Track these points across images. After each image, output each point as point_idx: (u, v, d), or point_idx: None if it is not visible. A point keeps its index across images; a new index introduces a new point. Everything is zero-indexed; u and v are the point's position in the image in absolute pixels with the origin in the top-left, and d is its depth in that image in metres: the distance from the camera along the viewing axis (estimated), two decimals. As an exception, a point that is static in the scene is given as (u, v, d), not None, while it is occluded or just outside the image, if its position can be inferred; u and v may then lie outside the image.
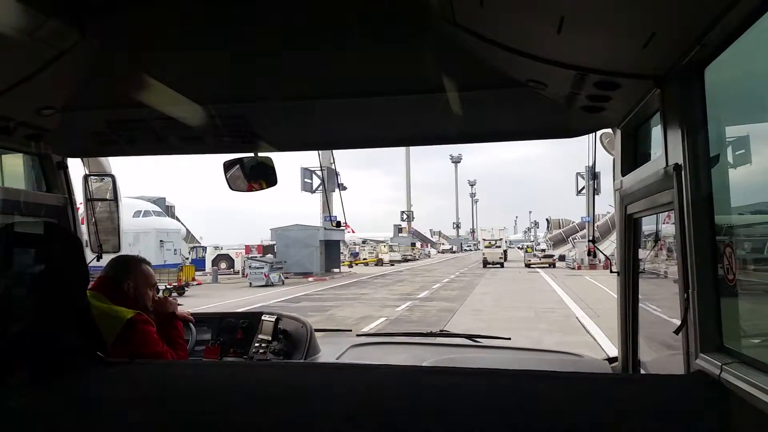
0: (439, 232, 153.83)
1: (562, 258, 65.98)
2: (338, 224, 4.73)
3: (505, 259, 68.55)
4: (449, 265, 71.02)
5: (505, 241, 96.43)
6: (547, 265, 60.27)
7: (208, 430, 1.98)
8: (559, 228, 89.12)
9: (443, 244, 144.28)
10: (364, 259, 76.84)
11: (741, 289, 2.03)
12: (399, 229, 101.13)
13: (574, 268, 53.80)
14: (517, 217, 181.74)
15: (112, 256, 3.86)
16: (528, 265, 61.35)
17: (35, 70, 2.35)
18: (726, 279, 1.99)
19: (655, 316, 3.09)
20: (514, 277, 45.75)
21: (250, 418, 1.99)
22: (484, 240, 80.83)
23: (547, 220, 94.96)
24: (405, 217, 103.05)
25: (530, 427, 1.87)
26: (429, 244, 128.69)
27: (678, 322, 2.15)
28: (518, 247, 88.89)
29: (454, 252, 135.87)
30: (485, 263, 65.28)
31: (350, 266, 64.33)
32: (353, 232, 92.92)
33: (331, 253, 52.18)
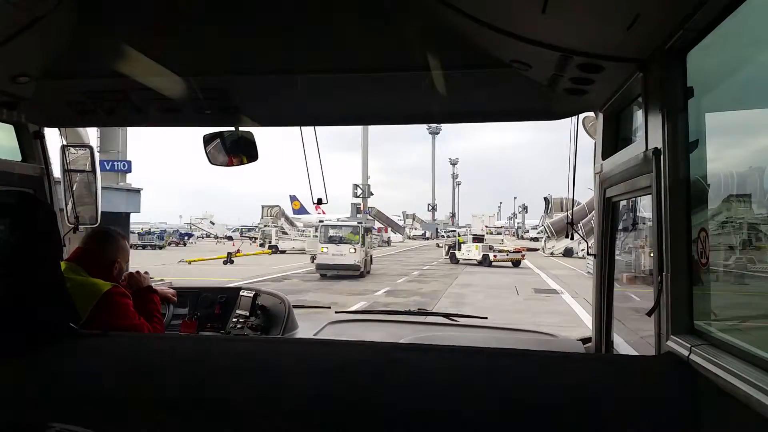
0: (413, 215, 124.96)
1: (568, 252, 49.68)
2: (319, 201, 4.72)
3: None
4: (393, 263, 47.06)
5: (486, 226, 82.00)
6: (511, 264, 42.64)
7: (179, 403, 1.97)
8: (562, 210, 62.58)
9: (415, 228, 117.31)
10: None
11: (713, 273, 2.07)
12: (357, 209, 76.31)
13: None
14: (501, 203, 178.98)
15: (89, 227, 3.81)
16: (478, 261, 43.60)
17: (9, 35, 2.28)
18: (699, 263, 2.02)
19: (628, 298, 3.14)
20: (504, 304, 22.07)
21: (221, 392, 2.00)
22: (487, 227, 68.92)
23: (545, 199, 67.99)
24: (359, 192, 75.33)
25: (502, 403, 1.90)
26: (389, 228, 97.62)
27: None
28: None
29: (426, 238, 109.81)
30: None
31: (228, 262, 41.33)
32: (324, 213, 71.67)
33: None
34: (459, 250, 46.63)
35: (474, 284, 30.02)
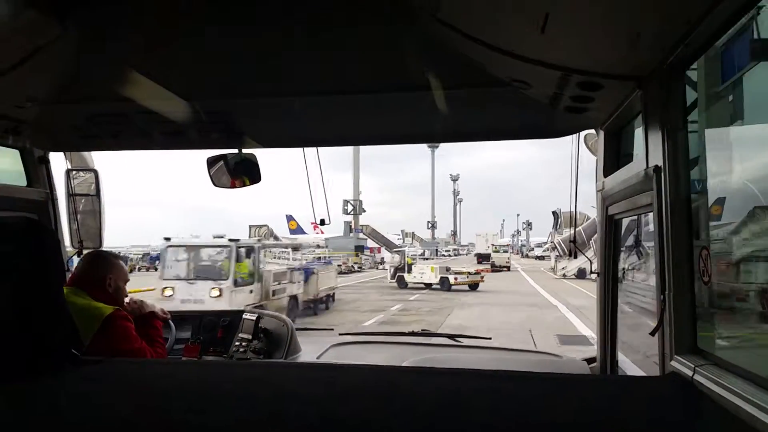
0: (412, 233, 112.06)
1: (581, 274, 42.15)
2: (322, 222, 4.74)
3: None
4: (375, 290, 38.84)
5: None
6: (468, 287, 38.01)
7: (181, 430, 1.96)
8: (572, 226, 37.23)
9: (414, 247, 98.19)
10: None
11: (716, 292, 2.05)
12: (349, 227, 72.44)
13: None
14: (504, 220, 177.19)
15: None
16: (426, 285, 38.44)
17: (15, 62, 2.31)
18: (702, 281, 2.01)
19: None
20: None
21: (224, 418, 1.98)
22: (492, 245, 74.78)
23: (554, 213, 59.12)
24: (350, 208, 70.15)
25: (505, 426, 1.88)
26: (382, 248, 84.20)
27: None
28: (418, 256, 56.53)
29: (426, 259, 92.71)
30: (493, 266, 60.76)
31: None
32: (322, 233, 69.06)
33: None
34: (409, 272, 40.48)
35: (470, 327, 19.52)
